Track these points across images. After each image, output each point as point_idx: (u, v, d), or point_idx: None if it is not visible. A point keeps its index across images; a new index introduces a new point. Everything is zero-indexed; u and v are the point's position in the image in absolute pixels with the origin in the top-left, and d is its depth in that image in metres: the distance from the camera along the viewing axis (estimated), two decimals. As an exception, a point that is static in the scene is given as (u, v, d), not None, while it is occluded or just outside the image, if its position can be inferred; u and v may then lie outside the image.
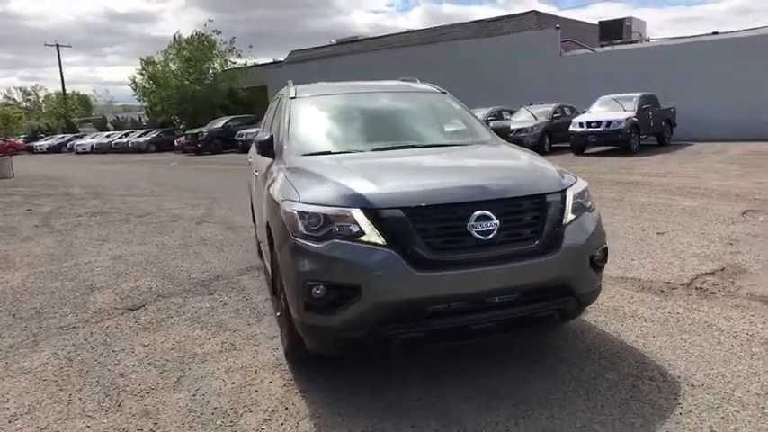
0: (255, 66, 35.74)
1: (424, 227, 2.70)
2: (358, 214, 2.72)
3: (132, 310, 4.50)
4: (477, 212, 2.75)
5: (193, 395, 3.02)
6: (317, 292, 2.72)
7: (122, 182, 15.74)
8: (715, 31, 21.18)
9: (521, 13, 24.94)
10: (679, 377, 2.96)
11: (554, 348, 3.39)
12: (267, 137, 3.95)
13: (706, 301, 4.03)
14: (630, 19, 22.68)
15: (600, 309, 3.90)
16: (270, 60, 37.99)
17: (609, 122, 15.06)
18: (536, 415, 2.66)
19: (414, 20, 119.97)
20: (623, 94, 16.31)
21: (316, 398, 2.91)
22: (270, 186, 3.49)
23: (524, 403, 2.77)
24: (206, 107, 34.06)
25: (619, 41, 22.26)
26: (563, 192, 3.00)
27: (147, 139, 34.38)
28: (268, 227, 3.51)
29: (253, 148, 5.64)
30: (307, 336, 2.91)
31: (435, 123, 4.28)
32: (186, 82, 34.38)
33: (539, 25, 23.34)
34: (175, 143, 30.31)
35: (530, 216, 2.87)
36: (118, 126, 48.94)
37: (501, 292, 2.78)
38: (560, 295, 2.94)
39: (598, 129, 15.15)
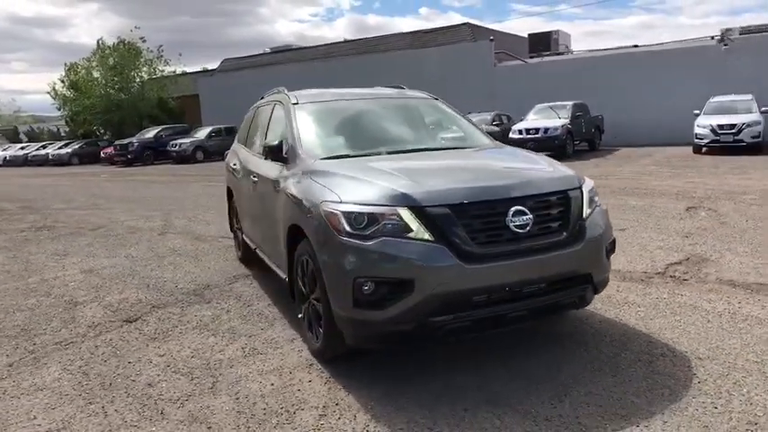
0: (185, 74, 34.74)
1: (468, 222, 2.87)
2: (405, 212, 2.85)
3: (130, 322, 4.37)
4: (514, 208, 2.95)
5: (236, 398, 3.02)
6: (368, 288, 2.82)
7: (55, 195, 14.87)
8: (635, 44, 22.87)
9: (455, 25, 25.84)
10: (685, 352, 3.28)
11: (568, 335, 3.65)
12: (276, 142, 3.99)
13: (683, 287, 4.45)
14: (557, 32, 24.07)
15: (596, 297, 4.21)
16: (199, 68, 37.05)
17: (546, 129, 15.91)
18: (575, 393, 2.88)
19: (339, 29, 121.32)
20: (557, 103, 17.29)
21: (361, 393, 3.00)
22: (292, 189, 3.54)
23: (561, 384, 2.98)
24: (133, 116, 32.75)
25: (547, 53, 23.53)
26: (580, 188, 3.26)
27: (69, 150, 32.49)
28: (291, 230, 3.56)
29: (237, 156, 5.62)
30: (353, 332, 2.99)
31: (438, 127, 4.48)
32: (111, 90, 32.90)
33: (473, 37, 24.25)
34: (102, 154, 28.90)
35: (557, 210, 3.11)
36: (33, 137, 45.94)
37: (536, 282, 3.00)
38: (582, 283, 3.20)
39: (536, 135, 15.95)
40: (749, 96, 15.84)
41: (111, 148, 28.11)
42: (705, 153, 15.19)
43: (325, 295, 3.09)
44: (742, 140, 14.39)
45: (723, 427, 2.52)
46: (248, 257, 5.82)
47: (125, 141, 27.21)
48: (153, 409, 2.95)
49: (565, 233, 3.08)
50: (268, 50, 33.62)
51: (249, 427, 2.73)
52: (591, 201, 3.31)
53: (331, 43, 31.23)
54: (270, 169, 4.21)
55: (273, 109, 4.83)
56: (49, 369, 3.55)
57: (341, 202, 3.01)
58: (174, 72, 34.19)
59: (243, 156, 5.45)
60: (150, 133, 27.95)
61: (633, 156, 15.64)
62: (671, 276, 4.75)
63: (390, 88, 5.18)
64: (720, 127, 14.61)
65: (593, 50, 23.75)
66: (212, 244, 7.13)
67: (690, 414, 2.64)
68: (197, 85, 32.32)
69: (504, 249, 2.90)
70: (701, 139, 15.01)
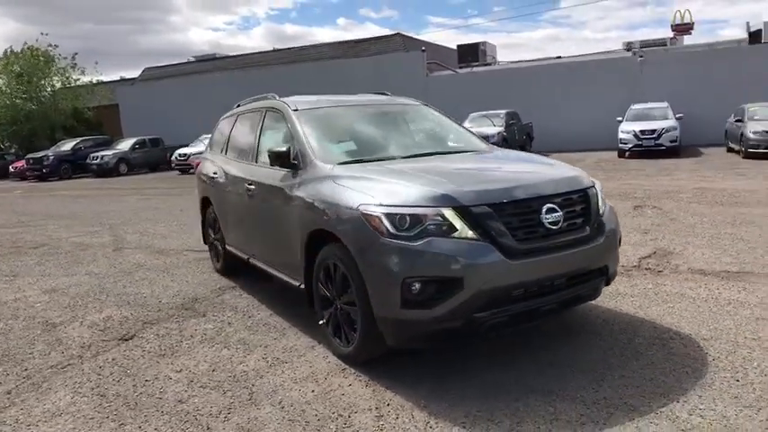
0: (103, 83, 32.94)
1: (507, 220, 2.99)
2: (449, 212, 2.93)
3: (126, 340, 4.14)
4: (547, 205, 3.11)
5: (281, 407, 2.96)
6: (416, 288, 2.88)
7: (-29, 214, 13.65)
8: (559, 55, 24.21)
9: (387, 36, 26.28)
10: (690, 334, 3.57)
11: (579, 326, 3.85)
12: (284, 149, 3.94)
13: (662, 278, 4.81)
14: (485, 43, 25.07)
15: (591, 290, 4.47)
16: (117, 78, 35.28)
17: (484, 137, 16.43)
18: (610, 377, 3.07)
19: (256, 39, 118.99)
20: (491, 111, 17.99)
21: (407, 393, 3.03)
22: (314, 194, 3.52)
23: (592, 370, 3.16)
24: (45, 128, 30.60)
25: (476, 63, 24.42)
26: (594, 186, 3.48)
27: (-31, 166, 29.84)
28: (312, 235, 3.54)
29: (216, 165, 5.47)
30: (398, 332, 3.03)
31: (438, 132, 4.60)
32: (18, 100, 30.60)
33: (404, 47, 24.74)
34: (11, 169, 26.82)
35: (580, 208, 3.30)
36: (-76, 152, 41.67)
37: (566, 276, 3.16)
38: (599, 275, 3.41)
39: (475, 142, 16.48)
40: (665, 104, 17.24)
41: (23, 162, 26.14)
42: (629, 157, 16.34)
43: (365, 298, 3.10)
44: (662, 144, 15.61)
45: (750, 396, 2.78)
46: (231, 269, 5.68)
47: (39, 155, 25.37)
48: (197, 426, 2.84)
49: (588, 228, 3.27)
50: (192, 59, 32.61)
51: (309, 434, 2.69)
52: (603, 198, 3.54)
53: (260, 52, 30.80)
54: (273, 176, 4.15)
55: (264, 116, 4.76)
56: (57, 393, 3.31)
57: (380, 205, 3.04)
58: (91, 81, 32.30)
59: (225, 165, 5.32)
60: (67, 145, 26.26)
61: (565, 160, 16.50)
62: (647, 269, 5.11)
63: (376, 95, 5.25)
64: (642, 132, 15.77)
65: (518, 61, 24.96)
66: (179, 258, 6.86)
67: (718, 388, 2.88)
68: (116, 95, 30.74)
69: (541, 245, 3.05)
70: (626, 143, 16.13)
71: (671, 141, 15.73)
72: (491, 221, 2.95)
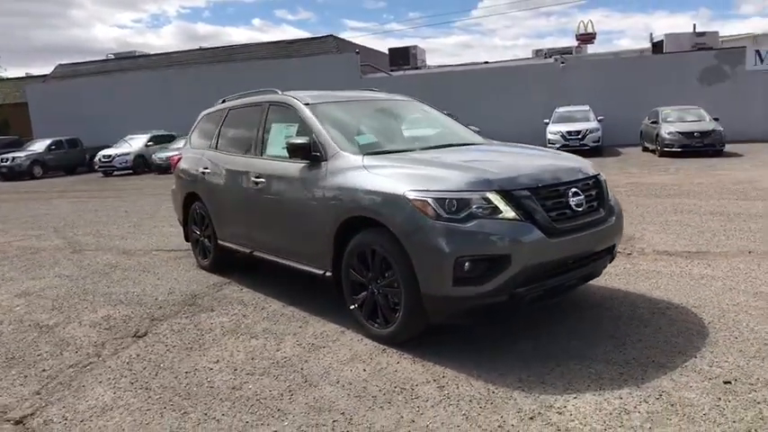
0: (8, 80, 30.50)
1: (543, 203, 3.29)
2: (494, 196, 3.18)
3: (139, 336, 4.06)
4: (573, 189, 3.44)
5: (342, 386, 3.08)
6: (468, 265, 3.10)
7: None
8: (486, 60, 25.28)
9: (320, 37, 26.25)
10: (681, 304, 4.04)
11: (582, 302, 4.23)
12: (305, 141, 4.03)
13: (636, 259, 5.32)
14: (415, 47, 25.71)
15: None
16: (22, 74, 32.78)
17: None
18: (629, 341, 3.43)
19: (166, 37, 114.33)
20: (428, 112, 18.51)
21: (457, 366, 3.23)
22: (349, 182, 3.65)
23: (612, 336, 3.52)
24: (-60, 128, 27.98)
25: (407, 67, 24.98)
26: (601, 174, 3.86)
27: None
28: (344, 223, 3.67)
29: (208, 161, 5.42)
30: (447, 308, 3.24)
31: (440, 125, 4.84)
32: None
33: (338, 49, 24.87)
34: None
35: (595, 192, 3.66)
36: None
37: (591, 252, 3.51)
38: (608, 253, 3.79)
39: (415, 142, 16.95)
40: (587, 107, 18.54)
41: None
42: (557, 156, 17.40)
43: (411, 278, 3.27)
44: (586, 144, 16.79)
45: (752, 349, 3.23)
46: (221, 265, 5.63)
47: (-65, 157, 23.17)
48: (264, 408, 2.90)
49: (602, 210, 3.64)
50: (112, 56, 30.94)
51: (383, 407, 2.83)
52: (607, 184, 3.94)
53: (186, 50, 29.76)
54: (289, 168, 4.23)
55: (268, 111, 4.80)
56: (95, 391, 3.22)
57: (427, 191, 3.23)
58: (-6, 78, 29.88)
59: (219, 160, 5.28)
60: (-31, 147, 24.16)
61: (500, 160, 17.36)
62: (617, 252, 5.62)
63: (367, 91, 5.42)
64: (569, 133, 16.89)
65: (448, 65, 25.79)
66: (152, 258, 6.66)
67: (722, 344, 3.32)
68: (25, 93, 28.60)
69: (570, 225, 3.36)
70: (553, 144, 17.16)
71: (594, 142, 16.95)
72: (530, 203, 3.23)
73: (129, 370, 3.48)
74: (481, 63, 24.77)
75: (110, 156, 21.78)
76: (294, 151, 4.05)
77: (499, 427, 2.60)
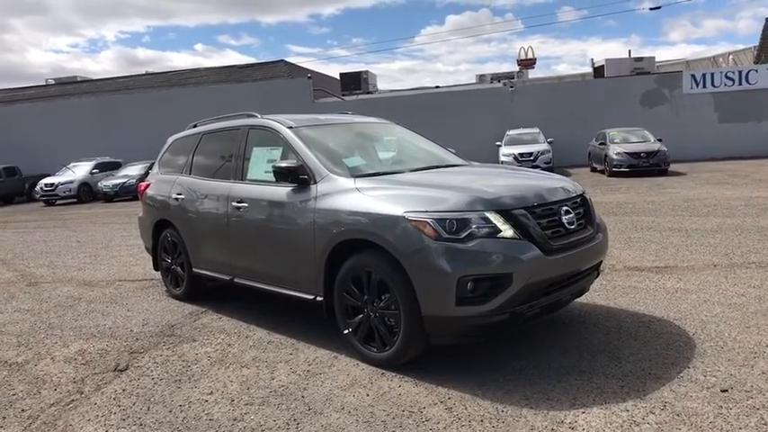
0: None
1: (539, 221, 3.36)
2: (493, 215, 3.23)
3: (121, 371, 3.86)
4: (564, 207, 3.54)
5: (348, 412, 3.01)
6: (470, 285, 3.12)
7: None
8: (437, 84, 25.84)
9: (271, 62, 26.18)
10: (663, 317, 4.18)
11: (569, 318, 4.32)
12: (292, 164, 4.00)
13: (609, 275, 5.49)
14: (367, 72, 26.03)
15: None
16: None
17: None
18: (623, 355, 3.52)
19: (104, 63, 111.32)
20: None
21: (459, 387, 3.22)
22: (343, 205, 3.62)
23: (605, 351, 3.60)
24: None
25: (359, 91, 25.23)
26: (586, 192, 4.00)
27: None
28: (337, 248, 3.64)
29: (180, 186, 5.28)
30: (449, 329, 3.24)
31: (421, 148, 4.90)
32: None
33: (290, 74, 24.86)
34: None
35: (583, 210, 3.78)
36: None
37: (586, 269, 3.61)
38: (596, 268, 3.90)
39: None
40: (536, 129, 19.19)
41: None
42: (512, 177, 17.87)
43: (411, 299, 3.26)
44: (538, 166, 17.27)
45: (739, 357, 3.37)
46: (194, 294, 5.45)
47: None
48: (272, 438, 2.80)
49: (590, 228, 3.76)
50: (52, 81, 29.81)
51: (395, 431, 2.79)
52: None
53: (131, 76, 28.99)
54: (275, 192, 4.17)
55: (248, 135, 4.73)
56: (84, 429, 3.03)
57: (426, 212, 3.25)
58: None
59: (194, 185, 5.15)
60: None
61: (456, 182, 17.68)
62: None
63: (344, 114, 5.43)
64: (522, 155, 17.39)
65: (399, 90, 26.21)
66: (117, 288, 6.38)
67: (711, 354, 3.44)
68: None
69: (565, 243, 3.44)
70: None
71: (545, 163, 17.50)
72: (528, 222, 3.29)
73: (118, 406, 3.29)
74: (432, 87, 25.33)
75: (52, 184, 20.88)
76: (282, 174, 4.00)
77: (516, 445, 2.60)
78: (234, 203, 4.53)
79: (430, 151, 4.89)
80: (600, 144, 17.41)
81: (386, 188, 3.64)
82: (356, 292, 3.62)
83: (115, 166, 22.30)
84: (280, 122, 4.47)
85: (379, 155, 4.61)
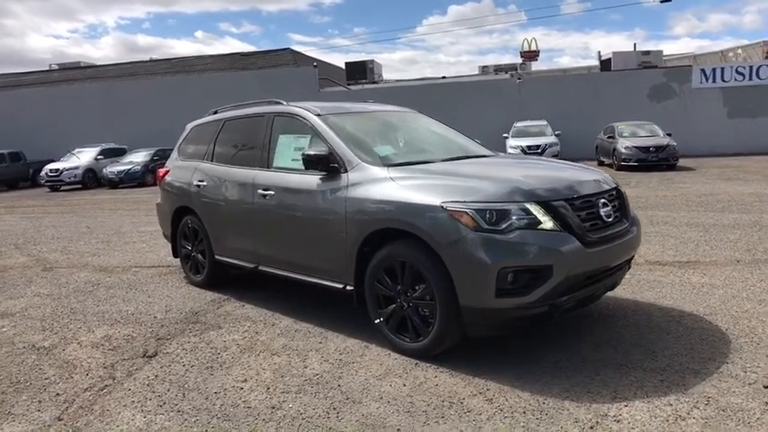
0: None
1: (578, 213, 3.33)
2: (533, 207, 3.20)
3: (150, 357, 3.84)
4: (602, 200, 3.51)
5: (387, 402, 3.00)
6: (511, 277, 3.10)
7: None
8: (443, 75, 25.70)
9: (276, 50, 26.00)
10: (693, 312, 4.16)
11: (597, 313, 4.30)
12: (324, 152, 3.96)
13: (632, 269, 5.40)
14: (372, 62, 25.88)
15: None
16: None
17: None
18: (658, 349, 3.50)
19: (105, 49, 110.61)
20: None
21: (495, 376, 3.20)
22: (376, 194, 3.59)
23: (639, 345, 3.58)
24: None
25: (364, 81, 25.09)
26: (620, 185, 3.96)
27: None
28: (370, 236, 3.61)
29: (202, 173, 5.24)
30: (488, 320, 3.21)
31: (448, 137, 4.86)
32: None
33: (295, 63, 24.71)
34: None
35: (618, 203, 3.75)
36: None
37: (620, 262, 3.58)
38: (628, 262, 3.88)
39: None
40: (544, 122, 19.12)
41: None
42: (519, 170, 17.83)
43: (448, 290, 3.23)
44: (547, 159, 17.26)
45: (774, 354, 3.37)
46: (215, 281, 5.43)
47: None
48: (314, 427, 2.78)
49: (626, 221, 3.73)
50: (56, 67, 29.62)
51: (438, 422, 2.77)
52: (624, 195, 4.04)
53: (135, 62, 28.80)
54: (304, 180, 4.13)
55: (273, 122, 4.69)
56: (121, 415, 3.01)
57: (465, 202, 3.22)
58: None
59: (216, 172, 5.11)
60: None
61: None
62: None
63: (366, 103, 5.38)
64: (529, 147, 17.33)
65: (405, 80, 26.07)
66: (135, 275, 6.36)
67: (748, 350, 3.42)
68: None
69: (602, 236, 3.42)
70: (516, 157, 17.59)
71: (553, 155, 17.44)
72: (567, 214, 3.26)
73: (153, 392, 3.28)
74: (439, 78, 25.21)
75: (57, 170, 20.80)
76: (311, 163, 3.96)
77: (562, 437, 2.59)
78: (260, 191, 4.50)
79: (456, 141, 4.84)
80: (608, 137, 17.36)
81: (420, 178, 3.60)
82: (388, 282, 3.60)
83: (120, 153, 22.22)
84: (307, 110, 4.43)
85: (408, 143, 4.57)
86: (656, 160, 15.39)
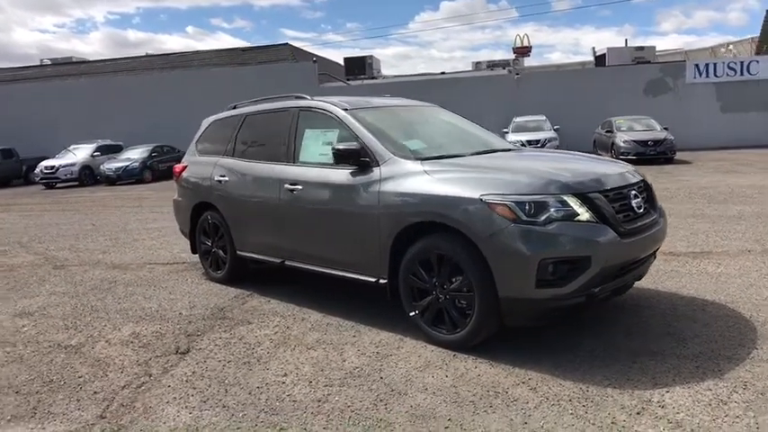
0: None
1: (613, 205, 3.39)
2: (571, 199, 3.25)
3: (183, 353, 3.86)
4: (632, 192, 3.57)
5: (433, 393, 3.04)
6: (551, 268, 3.15)
7: None
8: (443, 71, 25.76)
9: (275, 45, 25.92)
10: (715, 300, 4.24)
11: (621, 302, 4.36)
12: (356, 146, 3.98)
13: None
14: (371, 57, 25.84)
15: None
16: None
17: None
18: (687, 336, 3.57)
19: (93, 43, 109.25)
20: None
21: (534, 366, 3.25)
22: (408, 188, 3.63)
23: (668, 333, 3.65)
24: None
25: (363, 76, 25.06)
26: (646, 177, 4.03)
27: None
28: (406, 230, 3.64)
29: (224, 168, 5.25)
30: (527, 311, 3.27)
31: (471, 131, 4.90)
32: None
33: (294, 58, 24.63)
34: None
35: (646, 194, 3.81)
36: None
37: (650, 253, 3.65)
38: (654, 253, 3.95)
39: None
40: (543, 117, 19.22)
41: None
42: (517, 164, 17.93)
43: (486, 282, 3.28)
44: (545, 153, 17.36)
45: (803, 340, 3.45)
46: (237, 277, 5.44)
47: None
48: (365, 419, 2.82)
49: (654, 212, 3.79)
50: (48, 62, 29.30)
51: (487, 411, 2.81)
52: (650, 187, 4.10)
53: (130, 57, 28.56)
54: (334, 175, 4.16)
55: (298, 117, 4.71)
56: (166, 411, 3.03)
57: (504, 194, 3.26)
58: None
59: (238, 167, 5.12)
60: None
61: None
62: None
63: (387, 97, 5.41)
64: (529, 142, 17.42)
65: (403, 75, 26.08)
66: (150, 271, 6.35)
67: (774, 337, 3.52)
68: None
69: (635, 226, 3.48)
70: (514, 152, 17.67)
71: (552, 150, 17.56)
72: (604, 206, 3.32)
73: (193, 388, 3.30)
74: (438, 74, 25.25)
75: (53, 167, 20.62)
76: (342, 157, 3.99)
77: (612, 423, 2.64)
78: (287, 186, 4.51)
79: (478, 135, 4.89)
80: (606, 132, 17.50)
81: (454, 171, 3.64)
82: (424, 275, 3.64)
83: (116, 149, 22.06)
84: (335, 104, 4.45)
85: (433, 137, 4.60)
86: (654, 154, 15.55)
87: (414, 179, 3.68)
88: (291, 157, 4.63)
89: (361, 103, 4.63)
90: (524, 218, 3.19)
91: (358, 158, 3.97)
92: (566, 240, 3.17)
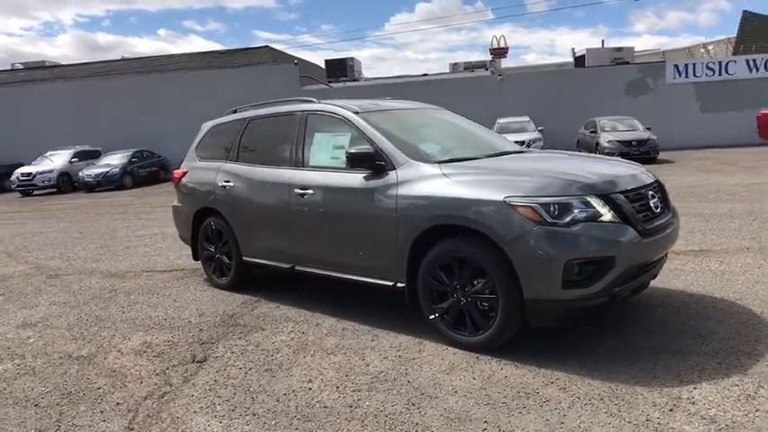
0: None
1: (634, 206, 3.44)
2: (594, 200, 3.29)
3: (200, 362, 3.80)
4: (650, 192, 3.63)
5: (464, 395, 3.04)
6: (577, 269, 3.18)
7: None
8: (425, 72, 25.84)
9: (255, 48, 25.73)
10: (724, 297, 4.32)
11: (635, 301, 4.42)
12: (370, 150, 3.97)
13: (649, 258, 5.64)
14: (353, 59, 25.84)
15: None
16: None
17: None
18: (704, 333, 3.64)
19: (62, 47, 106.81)
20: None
21: (560, 366, 3.28)
22: (426, 192, 3.63)
23: (684, 331, 3.71)
24: None
25: (345, 78, 25.04)
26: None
27: None
28: (425, 234, 3.64)
29: (228, 173, 5.19)
30: (553, 312, 3.29)
31: (480, 133, 4.92)
32: None
33: (275, 60, 24.47)
34: None
35: (660, 195, 3.87)
36: None
37: (666, 252, 3.71)
38: (667, 252, 4.01)
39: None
40: (527, 118, 19.41)
41: None
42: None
43: (511, 284, 3.30)
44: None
45: (815, 335, 3.54)
46: (242, 283, 5.38)
47: None
48: (400, 423, 2.81)
49: (668, 212, 3.86)
50: (19, 66, 28.64)
51: (522, 412, 2.83)
52: (659, 187, 4.17)
53: (106, 61, 28.10)
54: (347, 179, 4.14)
55: (306, 120, 4.67)
56: (194, 421, 2.98)
57: (527, 196, 3.29)
58: None
59: (243, 172, 5.07)
60: None
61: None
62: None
63: (393, 100, 5.41)
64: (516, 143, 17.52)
65: (386, 77, 26.12)
66: (150, 279, 6.24)
67: (788, 332, 3.60)
68: None
69: (654, 226, 3.53)
70: (499, 153, 17.81)
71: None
72: (625, 206, 3.36)
73: (218, 396, 3.25)
74: (420, 75, 25.35)
75: (30, 173, 20.17)
76: (356, 161, 3.97)
77: (647, 420, 2.68)
78: (297, 191, 4.48)
79: (486, 137, 4.93)
80: (590, 132, 17.74)
81: (473, 174, 3.65)
82: (443, 278, 3.64)
83: (95, 155, 21.67)
84: (345, 108, 4.43)
85: (445, 140, 4.61)
86: (637, 153, 15.81)
87: (433, 182, 3.68)
88: (300, 161, 4.59)
89: (371, 106, 4.62)
90: (549, 219, 3.21)
91: (373, 162, 3.95)
92: (590, 241, 3.20)
